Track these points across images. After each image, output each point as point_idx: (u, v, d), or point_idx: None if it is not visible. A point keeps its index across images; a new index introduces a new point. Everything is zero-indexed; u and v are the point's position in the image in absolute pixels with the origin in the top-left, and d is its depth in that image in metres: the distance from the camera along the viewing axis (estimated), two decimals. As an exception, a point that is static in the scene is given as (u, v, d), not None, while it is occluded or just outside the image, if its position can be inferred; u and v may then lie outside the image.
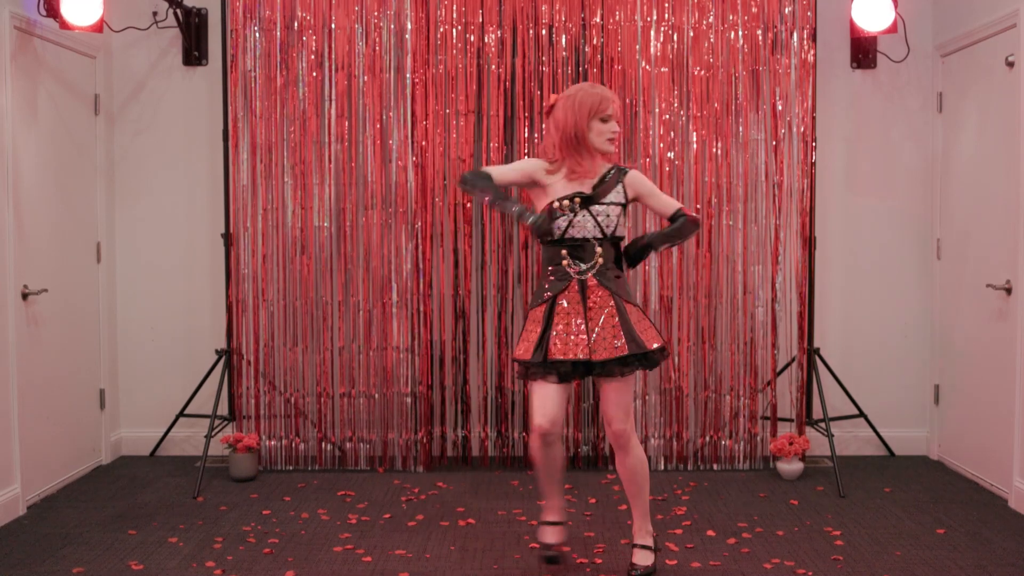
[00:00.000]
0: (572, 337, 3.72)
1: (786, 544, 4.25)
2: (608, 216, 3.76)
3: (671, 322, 5.37)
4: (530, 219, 3.66)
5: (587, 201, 3.74)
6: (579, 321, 3.73)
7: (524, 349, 3.78)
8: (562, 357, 3.71)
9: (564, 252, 3.75)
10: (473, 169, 3.93)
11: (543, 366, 3.74)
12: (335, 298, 5.44)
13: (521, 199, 3.91)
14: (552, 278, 3.78)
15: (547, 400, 3.74)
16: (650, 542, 3.91)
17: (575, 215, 3.74)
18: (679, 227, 3.85)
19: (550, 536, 3.97)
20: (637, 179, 3.85)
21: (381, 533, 4.40)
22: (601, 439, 5.42)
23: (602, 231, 3.75)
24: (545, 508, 4.02)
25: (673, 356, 5.38)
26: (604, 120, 3.76)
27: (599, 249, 3.75)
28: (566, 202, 3.73)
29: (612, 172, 3.82)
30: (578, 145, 3.75)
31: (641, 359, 3.74)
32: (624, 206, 3.81)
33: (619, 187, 3.80)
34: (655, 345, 3.76)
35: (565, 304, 3.75)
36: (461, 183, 3.83)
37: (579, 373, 3.78)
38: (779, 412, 5.49)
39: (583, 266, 3.75)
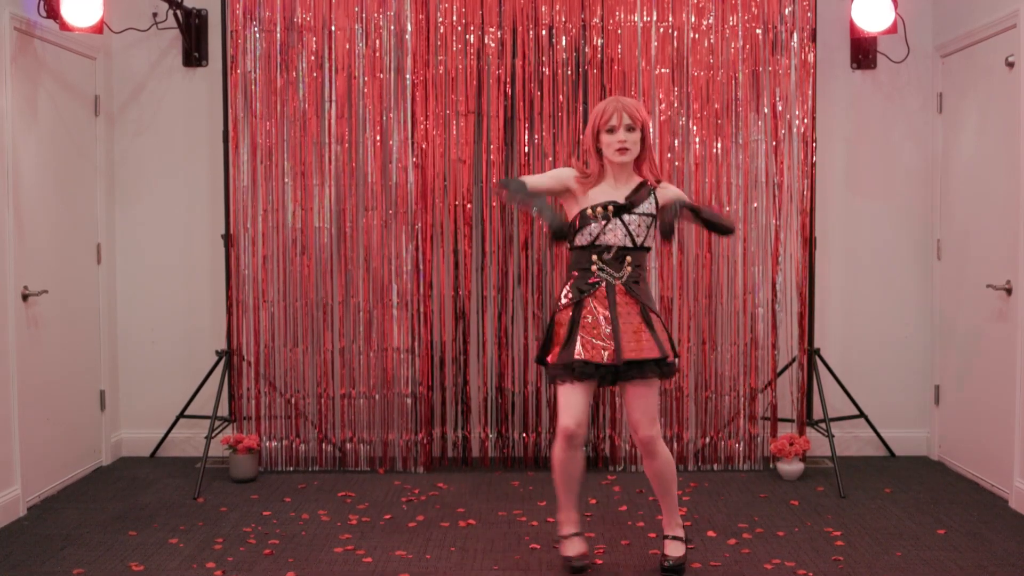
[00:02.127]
0: (599, 341, 3.76)
1: (786, 544, 4.25)
2: (639, 226, 3.80)
3: (671, 322, 5.37)
4: (548, 216, 3.64)
5: (620, 210, 3.79)
6: (606, 326, 3.76)
7: (553, 353, 3.83)
8: (588, 359, 3.75)
9: (594, 257, 3.80)
10: (508, 177, 3.98)
11: (570, 368, 3.77)
12: (335, 299, 5.44)
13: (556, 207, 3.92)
14: (581, 282, 3.82)
15: (572, 401, 3.78)
16: (681, 533, 3.96)
17: (607, 222, 3.79)
18: (721, 217, 3.88)
19: (573, 548, 3.95)
20: (667, 190, 3.90)
21: (381, 534, 4.40)
22: (601, 440, 5.42)
23: (632, 240, 3.80)
24: (562, 522, 3.99)
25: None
26: (610, 131, 3.79)
27: (629, 257, 3.80)
28: (599, 209, 3.79)
29: (646, 184, 3.87)
30: (599, 158, 3.85)
31: (662, 365, 3.79)
32: (655, 217, 3.83)
33: (651, 198, 3.84)
34: (673, 357, 3.83)
35: (594, 308, 3.79)
36: (503, 187, 3.82)
37: (606, 379, 3.81)
38: (779, 412, 5.49)
39: (613, 273, 3.80)
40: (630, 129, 3.79)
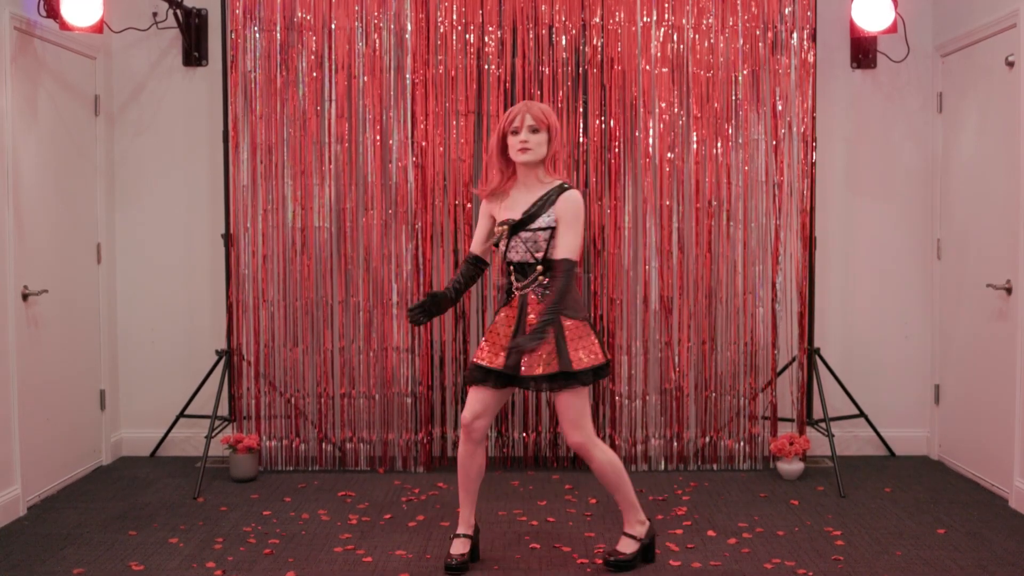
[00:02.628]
0: (501, 349, 3.83)
1: (787, 544, 4.25)
2: (535, 242, 3.81)
3: (671, 322, 5.37)
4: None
5: (515, 227, 3.83)
6: (509, 334, 3.83)
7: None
8: (486, 364, 3.85)
9: (511, 269, 3.89)
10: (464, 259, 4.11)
11: (471, 370, 3.91)
12: (335, 298, 5.44)
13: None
14: (504, 291, 3.94)
15: (472, 398, 3.92)
16: (635, 532, 3.96)
17: (508, 240, 3.85)
18: (556, 296, 3.73)
19: (455, 548, 3.98)
20: (563, 204, 3.80)
21: (381, 533, 4.40)
22: (601, 439, 5.41)
23: (532, 256, 3.81)
24: (459, 519, 4.03)
25: (673, 356, 5.38)
26: (514, 133, 3.83)
27: (539, 267, 3.81)
28: (500, 227, 3.88)
29: (551, 192, 3.83)
30: (504, 165, 3.89)
31: (570, 378, 3.76)
32: (555, 229, 3.79)
33: (551, 210, 3.81)
34: (584, 366, 3.75)
35: (503, 316, 3.89)
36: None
37: (505, 382, 3.85)
38: (779, 412, 5.49)
39: (524, 284, 3.84)
40: (534, 131, 3.80)
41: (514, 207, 3.86)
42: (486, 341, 3.90)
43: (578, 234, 3.79)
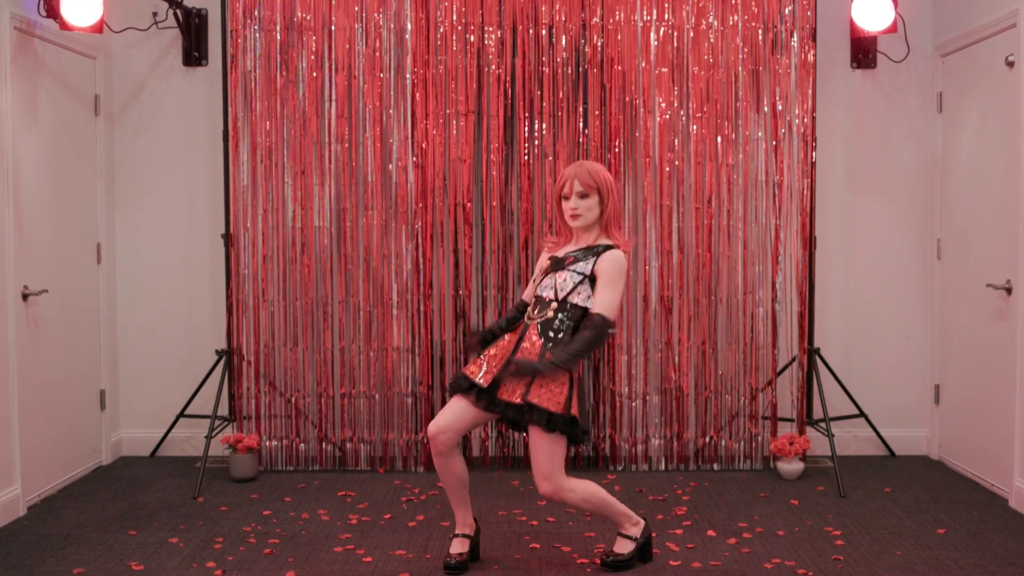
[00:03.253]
0: (491, 366, 3.84)
1: (787, 544, 4.25)
2: (564, 281, 3.82)
3: (671, 322, 5.37)
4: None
5: (555, 265, 3.88)
6: (501, 356, 3.84)
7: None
8: (468, 375, 3.86)
9: (533, 303, 3.92)
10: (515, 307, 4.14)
11: (456, 378, 3.92)
12: (335, 298, 5.44)
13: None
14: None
15: (445, 411, 3.90)
16: (632, 532, 3.97)
17: (545, 277, 3.89)
18: (578, 345, 3.71)
19: (453, 547, 4.00)
20: (608, 259, 3.81)
21: (381, 533, 4.40)
22: (601, 439, 5.42)
23: (555, 294, 3.83)
24: (455, 521, 4.05)
25: (673, 356, 5.38)
26: (566, 198, 3.88)
27: (554, 305, 3.83)
28: (546, 263, 3.94)
29: (599, 247, 3.87)
30: (562, 221, 3.95)
31: (531, 412, 3.71)
32: (588, 278, 3.81)
33: (591, 260, 3.83)
34: (554, 410, 3.70)
35: (505, 339, 3.92)
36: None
37: (485, 405, 3.83)
38: (779, 412, 5.49)
39: (535, 313, 3.87)
40: (583, 196, 3.84)
41: (563, 252, 3.94)
42: (482, 358, 3.90)
43: (617, 294, 3.80)
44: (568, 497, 3.82)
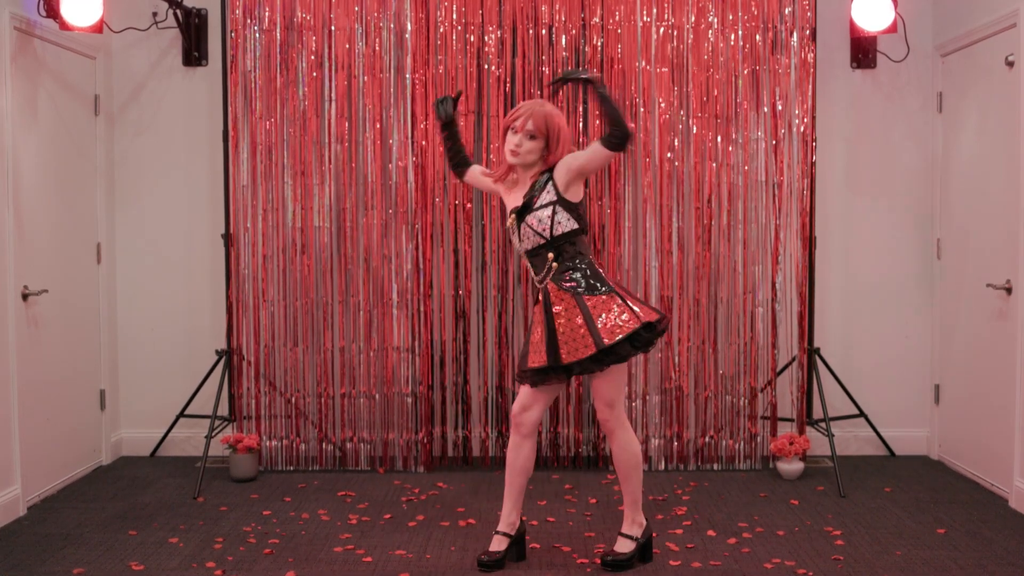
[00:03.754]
0: (540, 347, 3.82)
1: (787, 544, 4.25)
2: (541, 220, 3.79)
3: (671, 322, 5.37)
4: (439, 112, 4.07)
5: (520, 213, 3.83)
6: (543, 328, 3.82)
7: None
8: (534, 366, 3.84)
9: (526, 263, 3.91)
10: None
11: (523, 373, 3.90)
12: (335, 298, 5.44)
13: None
14: (532, 287, 3.93)
15: (524, 389, 3.94)
16: (634, 532, 3.97)
17: (518, 230, 3.85)
18: (617, 110, 3.71)
19: (492, 544, 3.99)
20: (561, 165, 3.80)
21: (381, 533, 4.40)
22: (601, 439, 5.42)
23: (542, 236, 3.80)
24: (500, 515, 4.03)
25: (673, 356, 5.38)
26: (512, 131, 3.84)
27: (550, 255, 3.80)
28: (509, 220, 3.88)
29: (545, 173, 3.84)
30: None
31: (609, 354, 3.73)
32: (557, 202, 3.77)
33: (549, 185, 3.80)
34: (613, 339, 3.70)
35: (535, 314, 3.90)
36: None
37: (556, 375, 3.84)
38: (779, 412, 5.49)
39: (542, 276, 3.84)
40: (531, 137, 3.80)
41: (516, 196, 3.89)
42: (531, 341, 3.87)
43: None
44: (618, 433, 3.86)
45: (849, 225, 5.70)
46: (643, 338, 3.77)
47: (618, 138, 3.68)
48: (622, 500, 4.05)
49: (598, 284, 3.79)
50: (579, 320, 3.74)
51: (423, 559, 4.08)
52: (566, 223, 3.78)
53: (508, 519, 3.98)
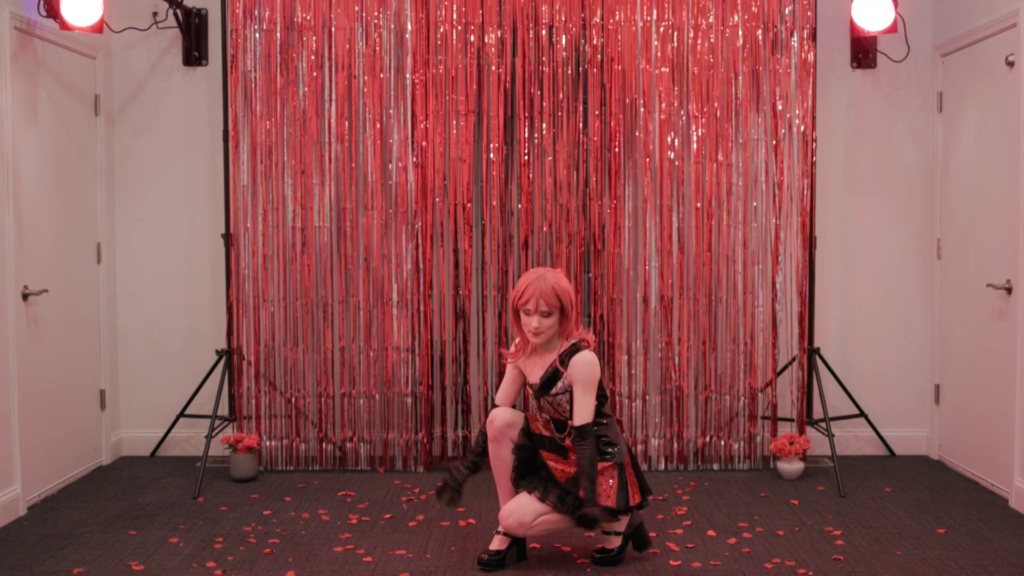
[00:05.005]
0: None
1: (787, 544, 4.25)
2: (559, 405, 3.91)
3: (671, 322, 5.37)
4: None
5: (538, 392, 3.93)
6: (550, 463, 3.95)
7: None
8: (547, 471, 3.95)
9: (544, 415, 3.98)
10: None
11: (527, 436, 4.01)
12: (335, 298, 5.44)
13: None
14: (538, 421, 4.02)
15: (499, 394, 4.10)
16: (615, 527, 4.00)
17: (539, 403, 3.97)
18: (588, 470, 3.81)
19: (493, 543, 4.03)
20: (575, 367, 3.84)
21: (382, 533, 4.40)
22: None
23: (561, 415, 3.92)
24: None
25: (673, 356, 5.39)
26: (527, 313, 3.87)
27: (571, 423, 3.89)
28: (529, 389, 4.01)
29: (564, 356, 3.88)
30: (518, 328, 3.94)
31: (574, 503, 3.84)
32: (570, 391, 3.87)
33: (564, 376, 3.87)
34: (609, 505, 3.85)
35: (550, 451, 3.98)
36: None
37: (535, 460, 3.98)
38: (779, 412, 5.49)
39: (561, 435, 3.94)
40: (546, 315, 3.83)
41: (534, 371, 3.96)
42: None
43: (592, 396, 3.84)
44: (534, 535, 3.96)
45: (849, 225, 5.70)
46: (609, 516, 3.88)
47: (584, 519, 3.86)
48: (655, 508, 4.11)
49: (608, 449, 3.90)
50: (574, 469, 3.88)
51: (423, 559, 4.08)
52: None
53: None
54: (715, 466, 5.43)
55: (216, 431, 5.27)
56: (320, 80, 5.34)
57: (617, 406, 5.39)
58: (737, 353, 5.40)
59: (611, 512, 3.84)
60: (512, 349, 4.05)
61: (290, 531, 4.42)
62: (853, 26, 5.35)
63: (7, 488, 4.55)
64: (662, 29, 5.32)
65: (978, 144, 5.18)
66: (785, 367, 5.46)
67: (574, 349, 3.85)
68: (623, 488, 3.88)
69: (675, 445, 5.42)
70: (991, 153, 5.02)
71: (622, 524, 4.00)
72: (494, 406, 4.05)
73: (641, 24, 5.33)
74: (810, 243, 5.38)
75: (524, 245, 5.39)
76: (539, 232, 5.37)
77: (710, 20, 5.32)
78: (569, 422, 3.87)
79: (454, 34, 5.32)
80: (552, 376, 3.88)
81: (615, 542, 4.00)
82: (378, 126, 5.34)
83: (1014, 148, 4.71)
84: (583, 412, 3.81)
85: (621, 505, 3.86)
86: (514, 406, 4.08)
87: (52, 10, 4.78)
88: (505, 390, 4.08)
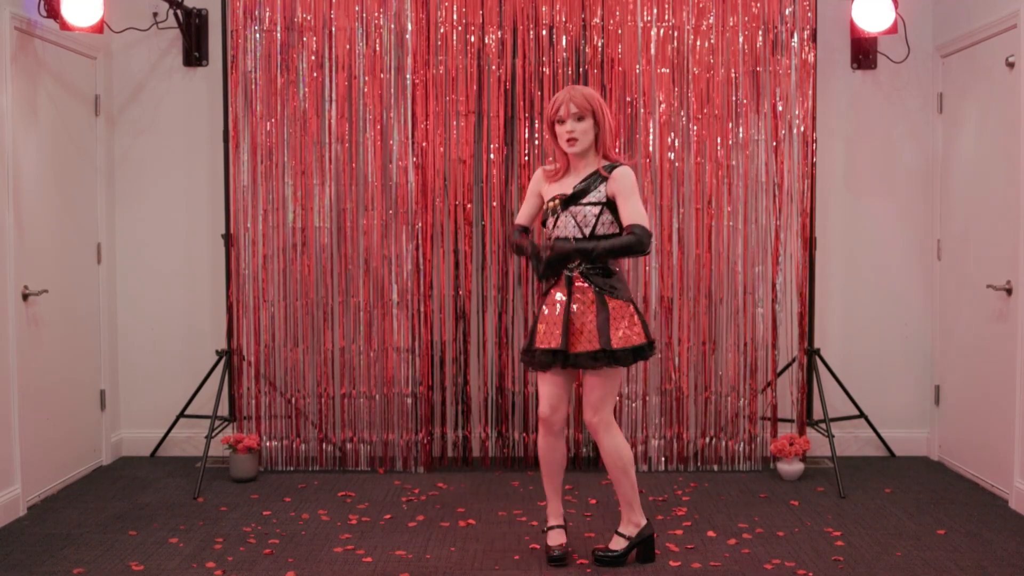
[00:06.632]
0: (556, 329, 3.86)
1: (787, 545, 4.25)
2: (585, 216, 3.86)
3: (671, 322, 5.37)
4: (535, 265, 3.93)
5: (567, 202, 3.89)
6: (559, 314, 3.87)
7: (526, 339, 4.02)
8: (543, 346, 3.88)
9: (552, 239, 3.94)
10: (514, 230, 4.16)
11: (530, 354, 3.93)
12: (335, 298, 5.44)
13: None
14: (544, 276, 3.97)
15: (545, 389, 3.94)
16: (628, 531, 4.00)
17: (558, 216, 3.90)
18: (618, 243, 3.81)
19: (553, 539, 4.04)
20: (618, 177, 3.86)
21: (381, 534, 4.40)
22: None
23: (581, 231, 3.86)
24: (547, 513, 4.10)
25: (673, 356, 5.38)
26: (560, 122, 3.89)
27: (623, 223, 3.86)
28: (550, 203, 3.93)
29: (603, 170, 3.89)
30: (557, 146, 3.95)
31: (610, 356, 3.80)
32: (605, 205, 3.86)
33: (601, 186, 3.87)
34: (624, 345, 3.80)
35: (556, 297, 3.91)
36: (515, 251, 4.07)
37: (561, 362, 3.87)
38: (779, 413, 5.49)
39: (569, 264, 3.88)
40: (579, 119, 3.86)
41: (565, 185, 3.93)
42: (541, 323, 3.91)
43: (641, 204, 3.85)
44: (604, 438, 3.89)
45: (849, 225, 5.70)
46: (644, 353, 3.88)
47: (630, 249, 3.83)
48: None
49: (620, 288, 3.88)
50: (591, 317, 3.83)
51: (423, 559, 4.08)
52: (608, 225, 3.87)
53: (557, 511, 4.06)
54: (715, 467, 5.43)
55: (216, 431, 5.27)
56: (320, 80, 5.34)
57: (617, 406, 5.39)
58: (737, 354, 5.40)
59: (639, 350, 3.82)
60: (551, 168, 4.03)
61: (290, 531, 4.42)
62: (853, 27, 5.35)
63: (7, 488, 4.55)
64: (662, 29, 5.32)
65: (978, 145, 5.18)
66: (785, 368, 5.46)
67: (613, 165, 3.88)
68: (644, 324, 3.88)
69: (675, 446, 5.42)
70: (991, 154, 5.02)
71: (634, 529, 3.98)
72: (516, 225, 4.08)
73: (641, 24, 5.33)
74: (810, 244, 5.38)
75: (524, 245, 5.38)
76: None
77: (710, 21, 5.32)
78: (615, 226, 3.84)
79: (454, 35, 5.32)
80: (590, 181, 3.86)
81: (620, 544, 3.99)
82: (378, 126, 5.34)
83: (1014, 149, 4.71)
84: (636, 214, 3.80)
85: (650, 339, 3.87)
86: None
87: (52, 10, 4.78)
88: (527, 209, 4.08)
